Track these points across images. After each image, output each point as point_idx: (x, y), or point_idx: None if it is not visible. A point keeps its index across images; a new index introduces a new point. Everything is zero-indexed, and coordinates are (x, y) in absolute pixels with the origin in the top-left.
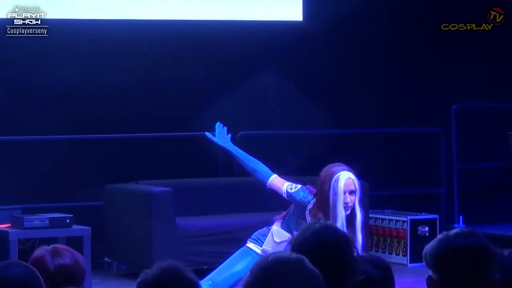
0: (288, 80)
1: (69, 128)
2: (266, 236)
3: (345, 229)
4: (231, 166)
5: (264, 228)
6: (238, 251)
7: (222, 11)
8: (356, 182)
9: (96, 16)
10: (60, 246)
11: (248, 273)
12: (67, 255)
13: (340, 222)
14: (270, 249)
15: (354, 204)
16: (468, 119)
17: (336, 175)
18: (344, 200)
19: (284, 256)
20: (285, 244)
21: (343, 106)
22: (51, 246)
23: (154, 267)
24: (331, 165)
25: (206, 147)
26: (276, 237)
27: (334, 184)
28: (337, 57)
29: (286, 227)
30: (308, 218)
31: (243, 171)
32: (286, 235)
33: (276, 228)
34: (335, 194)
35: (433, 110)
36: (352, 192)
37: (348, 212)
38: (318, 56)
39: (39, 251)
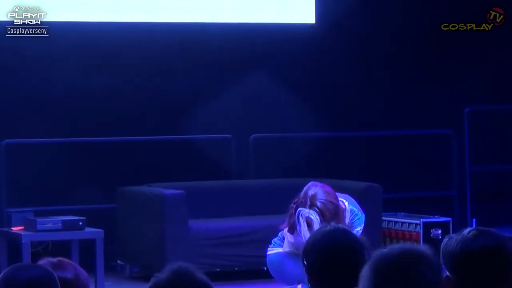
0: (300, 82)
1: (82, 130)
2: (282, 240)
3: None
4: (244, 169)
5: (275, 238)
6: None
7: (234, 14)
8: (316, 222)
9: (94, 18)
10: (64, 260)
11: (369, 267)
12: (69, 270)
13: None
14: (288, 249)
15: None
16: (480, 121)
17: (298, 211)
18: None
19: (409, 247)
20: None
21: (355, 108)
22: (56, 259)
23: (164, 270)
24: (308, 187)
25: (219, 150)
26: (289, 238)
27: (297, 219)
28: (349, 60)
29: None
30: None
31: (256, 174)
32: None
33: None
34: (298, 231)
35: (446, 112)
36: (311, 227)
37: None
38: (330, 58)
39: (42, 262)
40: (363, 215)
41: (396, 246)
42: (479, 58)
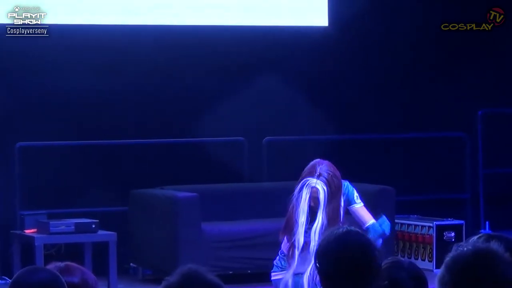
0: (313, 85)
1: (95, 133)
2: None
3: (302, 235)
4: (257, 171)
5: (277, 258)
6: None
7: (246, 16)
8: (322, 192)
9: (100, 21)
10: (72, 264)
11: (445, 269)
12: (76, 274)
13: (299, 228)
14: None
15: (317, 210)
16: (494, 124)
17: (303, 181)
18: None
19: (482, 247)
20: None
21: (368, 111)
22: (64, 263)
23: (175, 273)
24: (313, 163)
25: (232, 152)
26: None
27: (298, 189)
28: (362, 62)
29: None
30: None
31: (269, 177)
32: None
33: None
34: (297, 201)
35: (459, 115)
36: (316, 198)
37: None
38: (343, 61)
39: (50, 267)
40: (346, 181)
41: (468, 246)
42: (489, 60)
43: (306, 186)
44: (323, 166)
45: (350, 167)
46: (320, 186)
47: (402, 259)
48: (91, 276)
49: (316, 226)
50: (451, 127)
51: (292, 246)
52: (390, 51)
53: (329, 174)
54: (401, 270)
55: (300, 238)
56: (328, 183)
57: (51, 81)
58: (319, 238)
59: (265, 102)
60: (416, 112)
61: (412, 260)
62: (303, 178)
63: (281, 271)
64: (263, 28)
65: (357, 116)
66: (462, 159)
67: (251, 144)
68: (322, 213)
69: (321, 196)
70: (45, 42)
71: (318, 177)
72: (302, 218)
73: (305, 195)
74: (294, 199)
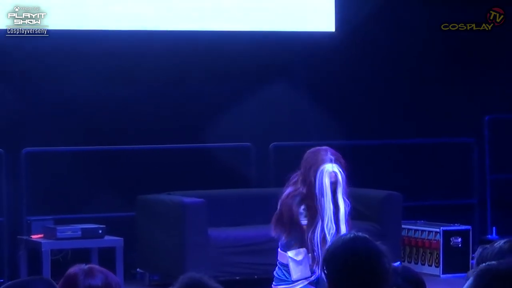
0: (320, 91)
1: (102, 139)
2: (288, 270)
3: (333, 223)
4: (264, 177)
5: (276, 269)
6: None
7: (254, 22)
8: (340, 174)
9: (115, 27)
10: (96, 267)
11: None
12: (100, 277)
13: (328, 217)
14: (299, 273)
15: (337, 196)
16: (501, 129)
17: (320, 169)
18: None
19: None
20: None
21: (376, 116)
22: (88, 266)
23: (176, 283)
24: (317, 150)
25: (239, 158)
26: (295, 257)
27: (319, 179)
28: (369, 68)
29: (285, 248)
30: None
31: (276, 182)
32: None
33: (283, 253)
34: (321, 191)
35: (466, 121)
36: (335, 182)
37: None
38: (350, 66)
39: (74, 269)
40: None
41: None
42: (495, 63)
43: (325, 174)
44: (328, 152)
45: (357, 172)
46: (337, 169)
47: (396, 265)
48: (114, 279)
49: (343, 212)
50: (458, 133)
51: (324, 240)
52: (397, 56)
53: (338, 156)
54: (395, 275)
55: (332, 229)
56: (341, 165)
57: (58, 87)
58: (346, 226)
59: (272, 107)
60: (423, 118)
61: (419, 265)
62: (316, 169)
63: (287, 284)
64: (270, 33)
65: (364, 122)
66: (469, 165)
67: (258, 150)
68: (342, 196)
69: (340, 178)
70: (52, 47)
71: (332, 161)
72: (330, 208)
73: (327, 184)
74: (317, 191)
